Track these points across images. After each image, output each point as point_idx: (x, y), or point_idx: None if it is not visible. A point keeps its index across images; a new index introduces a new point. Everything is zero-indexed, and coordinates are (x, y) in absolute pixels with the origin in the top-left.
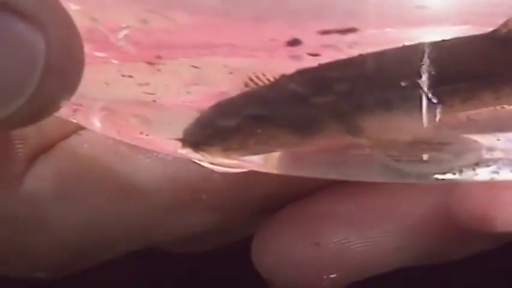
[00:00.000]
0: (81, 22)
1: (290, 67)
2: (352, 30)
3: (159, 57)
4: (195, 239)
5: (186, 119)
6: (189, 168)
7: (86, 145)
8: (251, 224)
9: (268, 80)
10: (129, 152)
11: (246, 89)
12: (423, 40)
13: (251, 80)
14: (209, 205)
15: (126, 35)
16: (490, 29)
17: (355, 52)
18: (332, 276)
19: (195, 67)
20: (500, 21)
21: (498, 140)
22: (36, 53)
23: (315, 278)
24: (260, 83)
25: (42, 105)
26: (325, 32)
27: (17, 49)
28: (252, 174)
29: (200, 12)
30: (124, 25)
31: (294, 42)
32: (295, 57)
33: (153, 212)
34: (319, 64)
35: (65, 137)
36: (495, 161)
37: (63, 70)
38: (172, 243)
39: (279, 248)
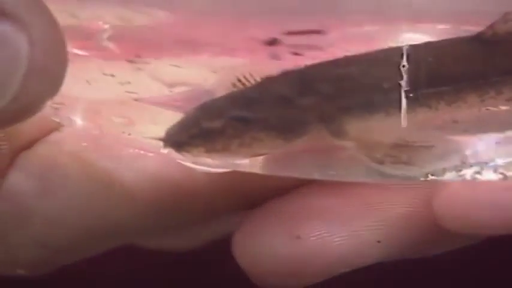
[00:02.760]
0: (62, 20)
1: (271, 66)
2: (316, 31)
3: (139, 55)
4: (178, 235)
5: (169, 119)
6: (171, 164)
7: (67, 142)
8: (235, 221)
9: (256, 80)
10: (111, 148)
11: (233, 89)
12: (404, 39)
13: (239, 80)
14: (191, 202)
15: (107, 33)
16: (471, 28)
17: (336, 51)
18: (313, 269)
19: (176, 66)
20: (481, 21)
21: (481, 140)
22: (19, 53)
23: (297, 271)
24: (248, 84)
25: (25, 105)
26: (290, 33)
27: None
28: (235, 172)
29: (180, 10)
30: (105, 23)
31: (273, 42)
32: (276, 56)
33: (135, 209)
34: (305, 65)
35: (47, 133)
36: (478, 161)
37: (46, 70)
38: (155, 240)
39: (260, 242)
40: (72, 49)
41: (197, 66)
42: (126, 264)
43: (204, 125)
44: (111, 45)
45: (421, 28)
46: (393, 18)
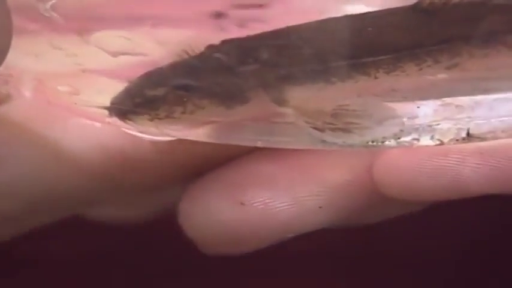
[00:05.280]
0: None
1: (217, 38)
2: (260, 5)
3: (87, 28)
4: (127, 206)
5: (115, 89)
6: (119, 134)
7: (16, 112)
8: (183, 190)
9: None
10: (59, 118)
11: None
12: (346, 11)
13: (185, 52)
14: (139, 171)
15: (54, 6)
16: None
17: (280, 24)
18: (257, 234)
19: (124, 38)
20: None
21: (418, 107)
22: None
23: (241, 237)
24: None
25: None
26: (236, 7)
27: None
28: (182, 141)
29: None
30: None
31: (219, 15)
32: (222, 29)
33: (83, 179)
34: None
35: None
36: (415, 128)
37: None
38: (104, 210)
39: (204, 209)
40: (20, 22)
41: (144, 38)
42: (76, 236)
43: (148, 93)
44: (58, 18)
45: (363, 1)
46: None
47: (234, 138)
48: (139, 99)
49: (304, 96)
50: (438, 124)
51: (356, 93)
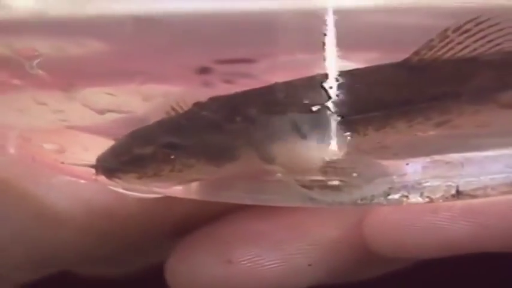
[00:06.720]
0: None
1: (203, 94)
2: (247, 60)
3: (72, 84)
4: (113, 262)
5: (101, 146)
6: (103, 191)
7: (0, 169)
8: (170, 247)
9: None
10: (43, 176)
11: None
12: (334, 67)
13: (173, 108)
14: (124, 227)
15: (39, 62)
16: (400, 56)
17: (268, 79)
18: None
19: (109, 94)
20: (410, 48)
21: (407, 164)
22: None
23: None
24: (181, 112)
25: None
26: (222, 62)
27: None
28: (168, 198)
29: (113, 40)
30: (37, 52)
31: (205, 70)
32: (208, 85)
33: (68, 236)
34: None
35: None
36: (405, 185)
37: None
38: (90, 267)
39: (192, 267)
40: (4, 78)
41: (130, 94)
42: None
43: (135, 152)
44: (42, 74)
45: (352, 57)
46: (324, 47)
47: (222, 195)
48: (126, 158)
49: (291, 154)
50: (427, 181)
51: (344, 150)
